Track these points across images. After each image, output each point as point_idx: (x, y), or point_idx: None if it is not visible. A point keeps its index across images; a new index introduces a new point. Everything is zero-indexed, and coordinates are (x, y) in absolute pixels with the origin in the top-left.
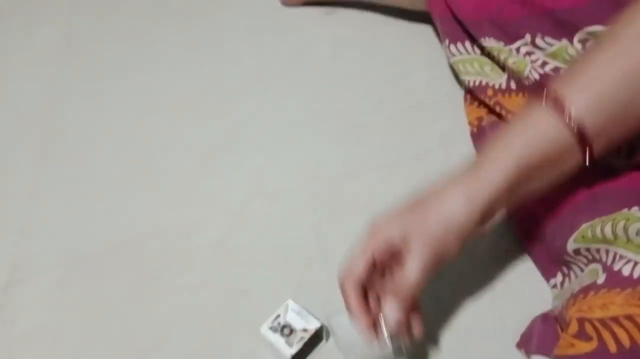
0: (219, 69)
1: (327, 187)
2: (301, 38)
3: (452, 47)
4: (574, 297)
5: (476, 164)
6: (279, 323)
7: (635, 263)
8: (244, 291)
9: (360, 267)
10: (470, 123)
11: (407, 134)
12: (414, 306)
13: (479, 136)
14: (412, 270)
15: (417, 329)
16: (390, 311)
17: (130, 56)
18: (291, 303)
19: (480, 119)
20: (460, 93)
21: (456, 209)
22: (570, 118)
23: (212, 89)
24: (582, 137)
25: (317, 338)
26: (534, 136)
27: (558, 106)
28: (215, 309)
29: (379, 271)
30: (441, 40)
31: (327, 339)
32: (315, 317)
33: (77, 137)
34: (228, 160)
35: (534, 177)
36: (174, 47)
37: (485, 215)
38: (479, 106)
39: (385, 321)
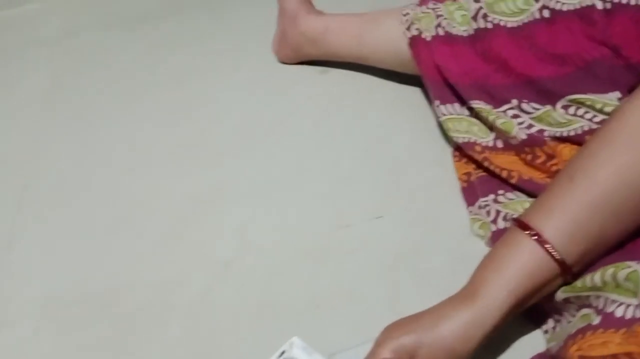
0: (209, 125)
1: (315, 241)
2: (294, 95)
3: (442, 107)
4: (573, 337)
5: (472, 296)
6: None
7: (628, 305)
8: (228, 345)
9: None
10: (460, 178)
11: (394, 187)
12: None
13: (468, 189)
14: None
15: None
16: None
17: (118, 109)
18: (296, 340)
19: (469, 174)
20: (443, 152)
21: (457, 338)
22: (551, 252)
23: (201, 143)
24: (564, 267)
25: None
26: (523, 267)
27: (540, 241)
28: None
29: None
30: (431, 100)
31: None
32: (321, 355)
33: (59, 185)
34: (213, 214)
35: (526, 302)
36: (165, 102)
37: (485, 338)
38: (467, 162)
39: None
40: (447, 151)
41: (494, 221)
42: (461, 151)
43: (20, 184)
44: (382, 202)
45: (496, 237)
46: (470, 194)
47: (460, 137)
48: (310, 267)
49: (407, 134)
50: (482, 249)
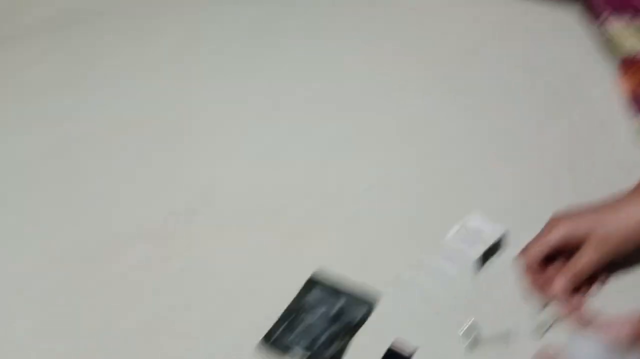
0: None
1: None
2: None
3: (612, 17)
4: None
5: None
6: (465, 230)
7: None
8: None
9: (537, 251)
10: (626, 91)
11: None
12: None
13: (636, 98)
14: (584, 255)
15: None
16: (558, 281)
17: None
18: (474, 215)
19: (638, 84)
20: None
21: (637, 223)
22: None
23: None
24: None
25: (497, 245)
26: None
27: None
28: None
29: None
30: (595, 15)
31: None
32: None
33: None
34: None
35: None
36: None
37: None
38: (635, 73)
39: (551, 291)
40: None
41: None
42: (627, 65)
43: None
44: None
45: None
46: (636, 103)
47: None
48: None
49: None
50: None
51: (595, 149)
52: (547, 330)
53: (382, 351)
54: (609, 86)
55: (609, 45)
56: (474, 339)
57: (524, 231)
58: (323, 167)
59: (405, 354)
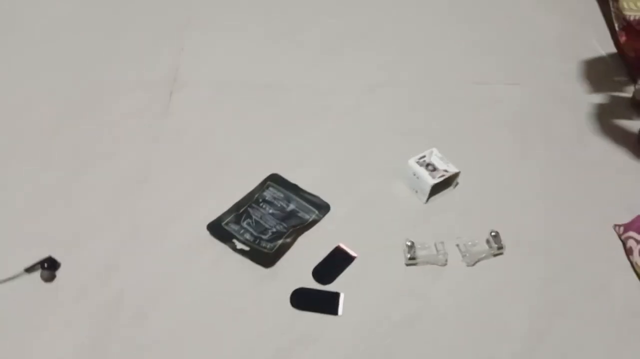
0: None
1: None
2: None
3: None
4: None
5: None
6: (424, 161)
7: None
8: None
9: None
10: (632, 50)
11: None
12: None
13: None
14: None
15: None
16: None
17: None
18: (435, 150)
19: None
20: None
21: None
22: None
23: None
24: None
25: (452, 179)
26: None
27: None
28: None
29: None
30: None
31: (455, 187)
32: (455, 166)
33: None
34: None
35: None
36: None
37: None
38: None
39: None
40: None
41: None
42: (632, 27)
43: None
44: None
45: None
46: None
47: (632, 15)
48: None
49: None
50: None
51: None
52: None
53: (325, 253)
54: None
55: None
56: (412, 257)
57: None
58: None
59: (352, 254)
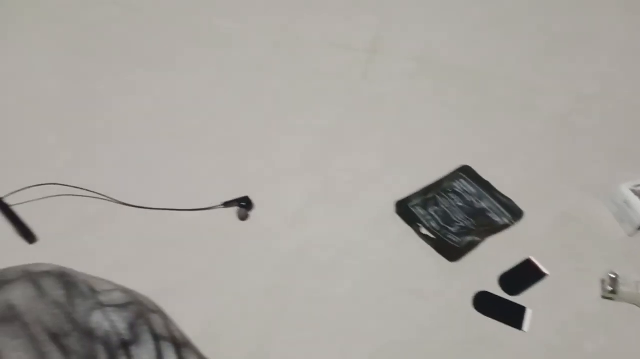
0: None
1: None
2: None
3: None
4: None
5: None
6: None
7: None
8: None
9: None
10: None
11: None
12: None
13: None
14: None
15: None
16: None
17: None
18: None
19: None
20: None
21: None
22: None
23: None
24: None
25: None
26: None
27: None
28: None
29: None
30: None
31: None
32: None
33: None
34: None
35: None
36: None
37: None
38: None
39: None
40: None
41: None
42: None
43: None
44: None
45: None
46: None
47: None
48: None
49: None
50: None
51: None
52: None
53: (513, 263)
54: None
55: None
56: (614, 291)
57: None
58: None
59: (543, 270)
